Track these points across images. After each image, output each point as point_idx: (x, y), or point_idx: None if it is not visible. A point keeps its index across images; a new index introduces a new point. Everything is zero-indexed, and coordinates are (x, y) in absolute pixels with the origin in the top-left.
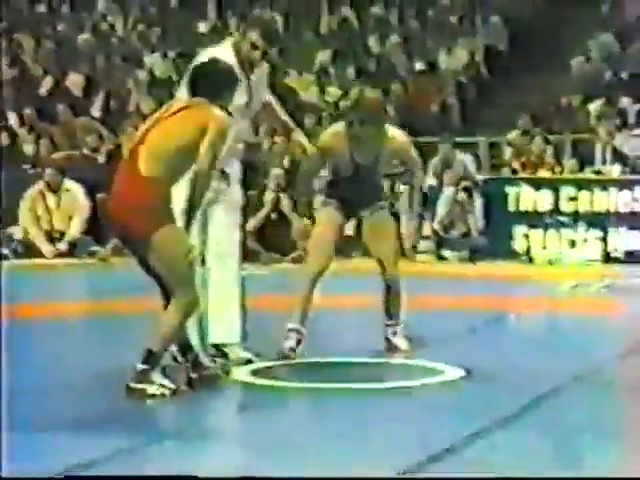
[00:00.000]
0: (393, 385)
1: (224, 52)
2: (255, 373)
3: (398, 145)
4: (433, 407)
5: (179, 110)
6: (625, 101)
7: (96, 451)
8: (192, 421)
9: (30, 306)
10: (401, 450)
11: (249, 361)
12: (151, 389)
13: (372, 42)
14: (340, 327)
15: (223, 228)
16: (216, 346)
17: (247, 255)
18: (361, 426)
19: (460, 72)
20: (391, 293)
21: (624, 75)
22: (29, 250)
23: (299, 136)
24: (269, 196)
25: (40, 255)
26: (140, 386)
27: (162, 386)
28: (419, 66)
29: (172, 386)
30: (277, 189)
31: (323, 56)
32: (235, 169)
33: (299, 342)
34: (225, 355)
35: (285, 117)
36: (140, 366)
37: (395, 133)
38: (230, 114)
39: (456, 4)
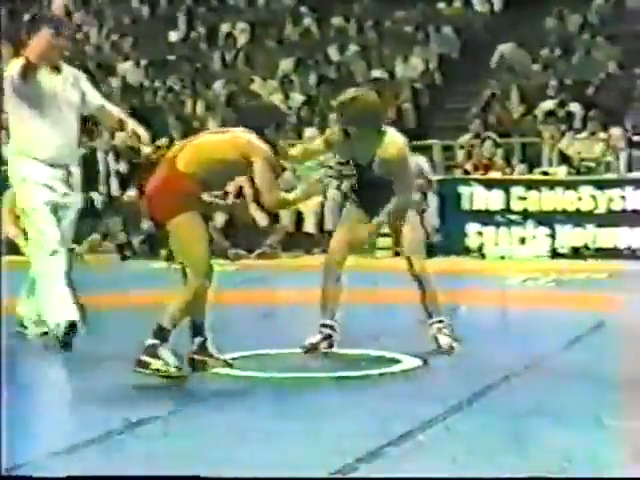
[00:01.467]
0: (352, 374)
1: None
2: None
3: (388, 156)
4: (391, 394)
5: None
6: (572, 106)
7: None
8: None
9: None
10: (361, 436)
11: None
12: (156, 364)
13: (332, 51)
14: (303, 320)
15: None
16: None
17: (215, 252)
18: (320, 414)
19: (415, 79)
20: (424, 290)
21: (569, 81)
22: (8, 247)
23: (134, 126)
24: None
25: (19, 252)
26: (147, 359)
27: (168, 364)
28: (376, 74)
29: (178, 365)
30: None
31: (286, 64)
32: (77, 170)
33: (327, 337)
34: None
35: (120, 114)
36: (150, 340)
37: (390, 141)
38: None
39: (411, 16)
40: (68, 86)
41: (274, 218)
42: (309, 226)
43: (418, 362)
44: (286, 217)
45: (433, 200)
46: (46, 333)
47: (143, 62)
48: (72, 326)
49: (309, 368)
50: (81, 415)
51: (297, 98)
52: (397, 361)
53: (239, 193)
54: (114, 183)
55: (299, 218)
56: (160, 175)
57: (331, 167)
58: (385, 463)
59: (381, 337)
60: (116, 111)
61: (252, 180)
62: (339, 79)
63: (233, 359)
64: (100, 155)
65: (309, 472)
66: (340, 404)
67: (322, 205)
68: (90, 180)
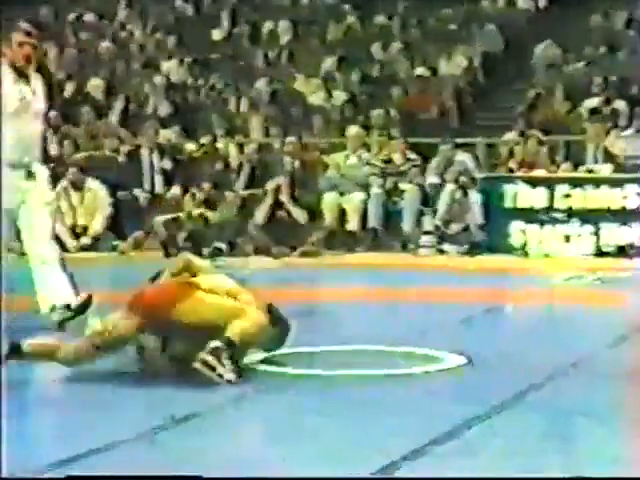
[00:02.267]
0: (396, 372)
1: None
2: (264, 361)
3: None
4: (436, 393)
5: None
6: (617, 103)
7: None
8: (200, 406)
9: None
10: (405, 434)
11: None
12: (220, 369)
13: (375, 49)
14: (346, 317)
15: (35, 228)
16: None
17: (257, 249)
18: (364, 411)
19: (458, 77)
20: None
21: (614, 78)
22: None
23: None
24: (269, 194)
25: (64, 249)
26: (212, 361)
27: (230, 372)
28: (420, 71)
29: (234, 379)
30: (276, 189)
31: (329, 62)
32: (42, 168)
33: None
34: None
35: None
36: (215, 343)
37: None
38: None
39: (455, 13)
40: (36, 94)
41: (317, 216)
42: (352, 224)
43: (462, 360)
44: (329, 215)
45: (477, 198)
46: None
47: (187, 60)
48: (67, 307)
49: (353, 365)
50: (122, 411)
51: (340, 96)
52: (441, 359)
53: (277, 191)
54: (158, 180)
55: (342, 216)
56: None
57: (375, 165)
58: (429, 462)
59: (426, 335)
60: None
61: (292, 179)
62: (382, 77)
63: (275, 356)
64: (145, 152)
65: (352, 470)
66: (384, 402)
67: (365, 203)
68: (134, 177)
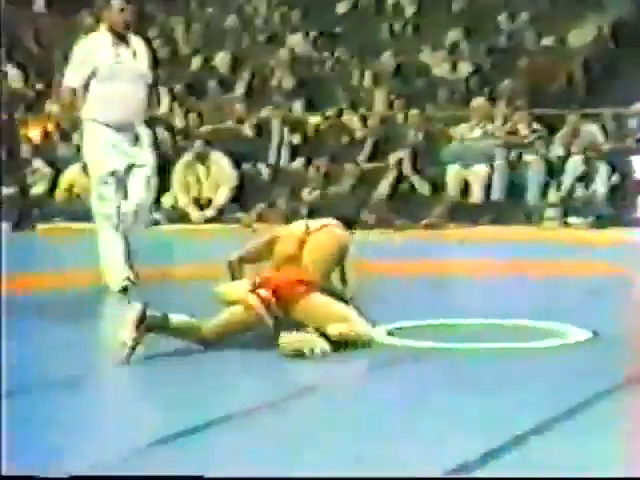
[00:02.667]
0: (521, 346)
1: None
2: (390, 333)
3: None
4: (561, 367)
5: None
6: None
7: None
8: (330, 378)
9: (181, 267)
10: (530, 408)
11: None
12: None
13: (502, 19)
14: (471, 291)
15: (139, 190)
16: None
17: (381, 222)
18: (488, 385)
19: (587, 46)
20: None
21: None
22: (179, 216)
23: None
24: (392, 167)
25: (189, 221)
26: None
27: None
28: (547, 42)
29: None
30: (399, 162)
31: (455, 34)
32: (146, 132)
33: None
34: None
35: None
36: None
37: None
38: None
39: None
40: (135, 56)
41: (440, 188)
42: (476, 196)
43: (588, 334)
44: (453, 187)
45: (604, 170)
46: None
47: (312, 34)
48: (126, 287)
49: (477, 339)
50: (251, 381)
51: (465, 68)
52: (567, 333)
53: (400, 164)
54: (286, 153)
55: (466, 188)
56: None
57: (499, 137)
58: (556, 437)
59: (551, 308)
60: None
61: (415, 151)
62: (509, 48)
63: (397, 329)
64: (276, 125)
65: (479, 444)
66: (509, 375)
67: (490, 175)
68: (258, 150)
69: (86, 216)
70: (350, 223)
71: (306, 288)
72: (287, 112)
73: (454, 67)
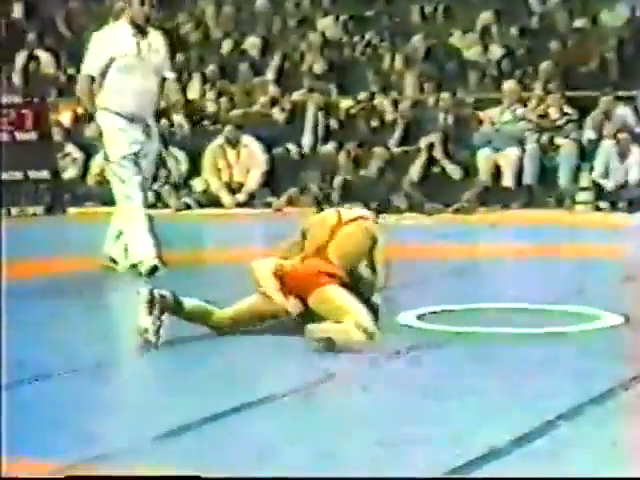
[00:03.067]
0: (552, 330)
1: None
2: (420, 317)
3: None
4: (591, 352)
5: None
6: None
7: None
8: (358, 362)
9: (213, 251)
10: (561, 394)
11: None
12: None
13: (534, 1)
14: (500, 275)
15: (145, 174)
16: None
17: (411, 206)
18: (518, 370)
19: (620, 28)
20: None
21: None
22: (210, 201)
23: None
24: (423, 151)
25: (220, 205)
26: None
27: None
28: (579, 23)
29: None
30: (429, 146)
31: (486, 16)
32: (154, 125)
33: None
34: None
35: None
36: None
37: None
38: None
39: None
40: (152, 50)
41: (471, 172)
42: (507, 179)
43: (620, 319)
44: (484, 171)
45: (637, 153)
46: (134, 265)
47: (342, 17)
48: (155, 268)
49: (506, 323)
50: (278, 365)
51: (496, 50)
52: (598, 318)
53: (430, 148)
54: (319, 137)
55: (497, 172)
56: None
57: (530, 120)
58: (586, 422)
59: (583, 293)
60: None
61: (445, 135)
62: (541, 30)
63: (427, 314)
64: (311, 108)
65: (508, 429)
66: (538, 361)
67: (521, 159)
68: (289, 134)
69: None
70: (380, 208)
71: (327, 279)
72: (323, 95)
73: (485, 50)
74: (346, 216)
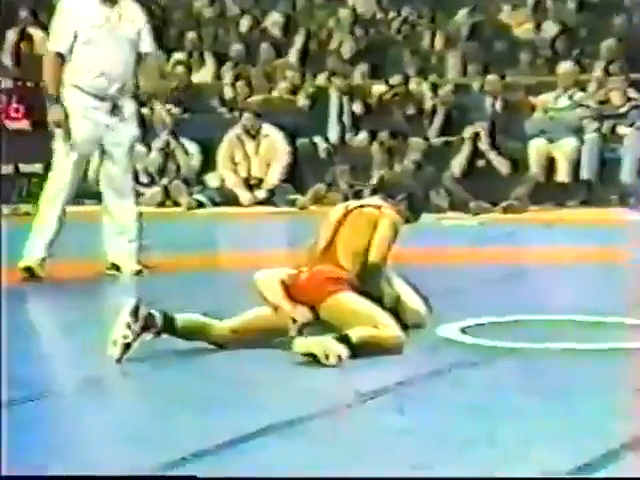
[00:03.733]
0: (610, 346)
1: None
2: (464, 331)
3: None
4: None
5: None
6: None
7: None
8: (396, 378)
9: (229, 256)
10: (623, 416)
11: (139, 272)
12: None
13: None
14: (554, 282)
15: (118, 165)
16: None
17: (454, 204)
18: (572, 390)
19: None
20: None
21: None
22: (226, 198)
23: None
24: (467, 142)
25: (237, 203)
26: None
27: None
28: None
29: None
30: (474, 136)
31: None
32: (129, 105)
33: None
34: (118, 268)
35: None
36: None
37: None
38: None
39: None
40: (125, 20)
41: (521, 166)
42: (562, 175)
43: None
44: (536, 165)
45: None
46: (140, 272)
47: None
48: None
49: (559, 338)
50: (302, 385)
51: (551, 28)
52: None
53: (474, 139)
54: (347, 126)
55: (551, 166)
56: None
57: (589, 106)
58: None
59: None
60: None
61: (492, 124)
62: (602, 3)
63: (472, 326)
64: (334, 94)
65: (563, 457)
66: (595, 380)
67: (579, 150)
68: (315, 123)
69: None
70: (418, 206)
71: (336, 286)
72: (346, 80)
73: (538, 27)
74: (352, 207)
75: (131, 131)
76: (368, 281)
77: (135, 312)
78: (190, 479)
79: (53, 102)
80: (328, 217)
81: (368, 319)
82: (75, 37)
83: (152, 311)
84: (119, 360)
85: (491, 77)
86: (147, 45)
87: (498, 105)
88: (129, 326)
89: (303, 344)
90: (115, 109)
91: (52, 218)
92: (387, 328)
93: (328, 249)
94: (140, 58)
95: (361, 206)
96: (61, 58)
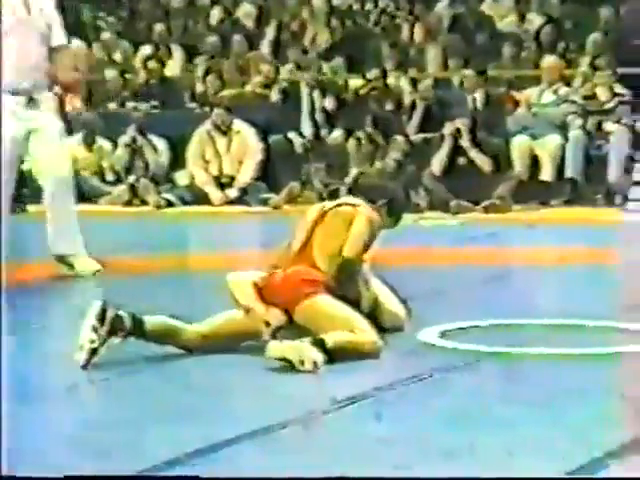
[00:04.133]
0: (597, 351)
1: None
2: (445, 335)
3: None
4: None
5: None
6: None
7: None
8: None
9: (199, 257)
10: (610, 425)
11: (98, 271)
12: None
13: None
14: (537, 284)
15: (47, 156)
16: (60, 258)
17: (433, 203)
18: (557, 397)
19: None
20: None
21: None
22: (196, 197)
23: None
24: (447, 138)
25: (208, 202)
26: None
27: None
28: None
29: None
30: (455, 133)
31: None
32: (47, 97)
33: None
34: (71, 266)
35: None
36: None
37: None
38: None
39: None
40: (33, 12)
41: (504, 164)
42: (546, 173)
43: None
44: (519, 162)
45: None
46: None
47: None
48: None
49: (545, 342)
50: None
51: (535, 20)
52: None
53: (455, 135)
54: (319, 122)
55: (534, 164)
56: None
57: (574, 102)
58: (635, 460)
59: (637, 308)
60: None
61: (473, 119)
62: None
63: (452, 330)
64: (304, 90)
65: (545, 467)
66: (582, 386)
67: (563, 148)
68: (289, 119)
69: (90, 196)
70: (398, 210)
71: (312, 288)
72: (318, 73)
73: (522, 19)
74: (328, 207)
75: (53, 124)
76: (344, 282)
77: (102, 315)
78: (193, 479)
79: None
80: (305, 217)
81: (344, 323)
82: None
83: (120, 312)
84: (85, 366)
85: (472, 72)
86: (57, 37)
87: (480, 101)
88: (95, 329)
89: (277, 348)
90: (30, 103)
91: None
92: (364, 333)
93: (304, 250)
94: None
95: (338, 205)
96: None
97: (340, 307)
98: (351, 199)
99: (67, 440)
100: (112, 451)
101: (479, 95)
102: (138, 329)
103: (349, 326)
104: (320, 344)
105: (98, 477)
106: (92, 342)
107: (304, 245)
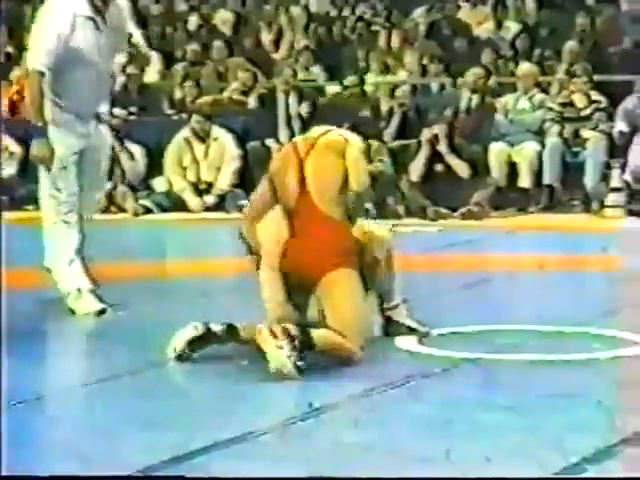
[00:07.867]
0: (577, 357)
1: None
2: (421, 341)
3: None
4: (625, 382)
5: None
6: None
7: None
8: (351, 391)
9: (177, 264)
10: (587, 431)
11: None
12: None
13: None
14: (515, 291)
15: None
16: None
17: (411, 210)
18: (536, 403)
19: None
20: None
21: None
22: (174, 203)
23: None
24: (425, 145)
25: (186, 209)
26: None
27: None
28: None
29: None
30: (432, 139)
31: None
32: (104, 110)
33: None
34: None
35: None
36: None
37: None
38: None
39: None
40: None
41: (481, 170)
42: (524, 180)
43: None
44: (496, 169)
45: None
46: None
47: None
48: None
49: (523, 348)
50: (262, 400)
51: (512, 27)
52: (634, 343)
53: (433, 142)
54: (296, 128)
55: (512, 170)
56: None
57: (551, 109)
58: (618, 465)
59: (615, 314)
60: None
61: (451, 126)
62: (564, 3)
63: (434, 336)
64: (280, 96)
65: (525, 472)
66: (561, 392)
67: (540, 155)
68: (267, 126)
69: None
70: (375, 211)
71: (339, 259)
72: (295, 79)
73: (498, 26)
74: (306, 142)
75: (105, 137)
76: (360, 213)
77: (207, 337)
78: (178, 479)
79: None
80: (284, 161)
81: (344, 317)
82: None
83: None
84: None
85: (450, 79)
86: None
87: (458, 107)
88: (190, 343)
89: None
90: (97, 117)
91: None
92: (352, 342)
93: (303, 197)
94: None
95: (324, 134)
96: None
97: (351, 303)
98: (335, 129)
99: (44, 449)
100: (90, 457)
101: (457, 102)
102: (234, 334)
103: (347, 325)
104: (308, 345)
105: (98, 477)
106: (179, 350)
107: (300, 184)
